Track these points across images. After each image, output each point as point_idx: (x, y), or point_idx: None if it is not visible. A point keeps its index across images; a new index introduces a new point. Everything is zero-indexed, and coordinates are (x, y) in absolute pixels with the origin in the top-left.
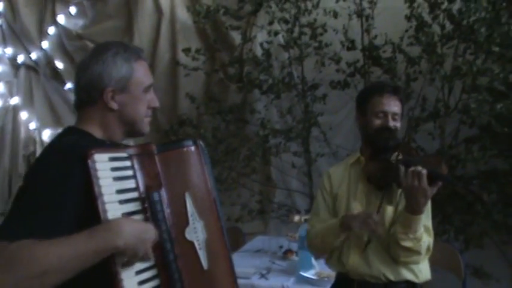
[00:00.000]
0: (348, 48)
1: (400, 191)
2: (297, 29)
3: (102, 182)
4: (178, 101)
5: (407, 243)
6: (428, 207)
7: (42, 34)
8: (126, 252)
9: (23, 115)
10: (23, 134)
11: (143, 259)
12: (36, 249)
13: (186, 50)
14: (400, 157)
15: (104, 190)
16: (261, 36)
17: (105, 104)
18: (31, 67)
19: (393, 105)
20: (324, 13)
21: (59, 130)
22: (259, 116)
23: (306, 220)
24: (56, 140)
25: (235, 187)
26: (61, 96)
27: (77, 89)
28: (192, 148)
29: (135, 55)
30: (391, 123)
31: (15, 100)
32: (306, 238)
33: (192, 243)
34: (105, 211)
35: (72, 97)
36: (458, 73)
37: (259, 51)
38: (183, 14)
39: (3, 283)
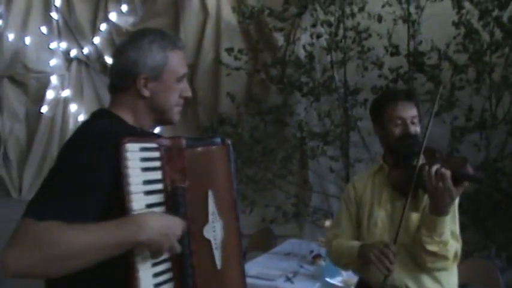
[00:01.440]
0: (392, 54)
1: (426, 196)
2: (341, 32)
3: (130, 171)
4: (220, 100)
5: (433, 247)
6: (455, 213)
7: (95, 30)
8: (149, 246)
9: (73, 107)
10: (71, 125)
11: (169, 252)
12: (63, 232)
13: (229, 50)
14: (424, 161)
15: (131, 180)
16: (304, 38)
17: (137, 90)
18: (82, 61)
19: (409, 110)
20: (368, 17)
21: None
22: (298, 118)
23: None
24: (89, 122)
25: (270, 188)
26: None
27: (112, 73)
28: (220, 147)
29: (172, 44)
30: (412, 129)
31: (66, 93)
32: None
33: (208, 242)
34: (130, 201)
35: None
36: (505, 83)
37: (301, 54)
38: (228, 14)
39: (27, 260)
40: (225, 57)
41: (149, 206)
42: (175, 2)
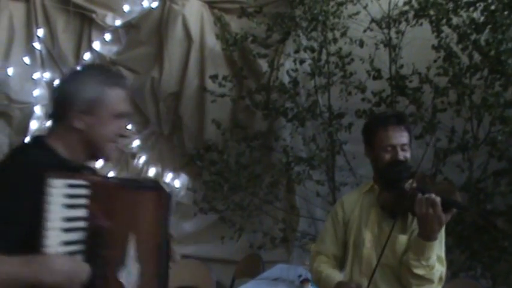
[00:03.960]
0: (374, 78)
1: (414, 219)
2: (323, 57)
3: (51, 207)
4: (205, 127)
5: (419, 271)
6: (441, 237)
7: (78, 59)
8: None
9: None
10: None
11: None
12: None
13: (214, 77)
14: (414, 185)
15: (50, 216)
16: (288, 64)
17: (71, 122)
18: None
19: (400, 137)
20: (350, 42)
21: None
22: (284, 144)
23: None
24: (21, 151)
25: (258, 214)
26: None
27: (52, 102)
28: (152, 194)
29: (112, 81)
30: (401, 155)
31: (50, 123)
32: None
33: (121, 285)
34: (45, 237)
35: None
36: (485, 104)
37: (286, 79)
38: (211, 41)
39: None
40: (210, 84)
41: (66, 243)
42: (159, 31)
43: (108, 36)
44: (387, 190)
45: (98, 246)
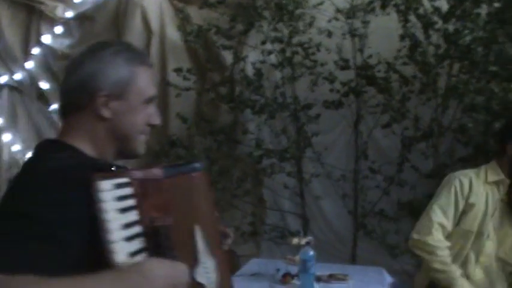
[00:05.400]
0: (342, 68)
1: None
2: (289, 49)
3: (108, 215)
4: (169, 122)
5: None
6: None
7: (27, 54)
8: None
9: (6, 137)
10: (6, 156)
11: None
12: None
13: (178, 70)
14: None
15: (110, 225)
16: (252, 56)
17: (95, 110)
18: (15, 88)
19: None
20: (317, 32)
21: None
22: (252, 137)
23: (307, 243)
24: (38, 159)
25: (228, 209)
26: (46, 117)
27: (63, 91)
28: (201, 173)
29: (140, 58)
30: None
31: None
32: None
33: (202, 286)
34: (112, 252)
35: (57, 118)
36: (455, 92)
37: (250, 71)
38: (173, 33)
39: None
40: (173, 77)
41: (132, 254)
42: (116, 22)
43: (59, 29)
44: None
45: (165, 248)
